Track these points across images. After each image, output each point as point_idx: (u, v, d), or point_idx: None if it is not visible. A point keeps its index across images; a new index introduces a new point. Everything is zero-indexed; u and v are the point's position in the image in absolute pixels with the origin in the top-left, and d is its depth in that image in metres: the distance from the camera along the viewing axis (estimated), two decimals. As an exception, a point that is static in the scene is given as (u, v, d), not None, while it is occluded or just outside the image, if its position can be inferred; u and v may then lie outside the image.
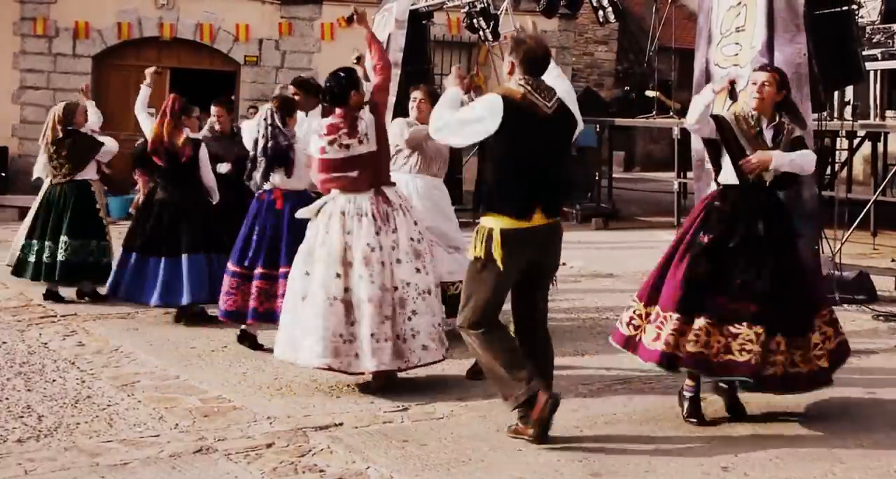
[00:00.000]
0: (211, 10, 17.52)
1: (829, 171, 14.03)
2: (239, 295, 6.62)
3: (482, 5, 14.90)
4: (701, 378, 5.20)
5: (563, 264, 10.00)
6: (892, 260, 10.12)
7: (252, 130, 6.81)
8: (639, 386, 5.89)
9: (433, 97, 6.35)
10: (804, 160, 5.19)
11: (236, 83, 17.64)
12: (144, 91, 8.10)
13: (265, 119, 6.60)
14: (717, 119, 5.26)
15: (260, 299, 6.54)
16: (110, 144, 8.44)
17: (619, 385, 5.91)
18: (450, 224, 6.84)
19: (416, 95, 6.78)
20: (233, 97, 16.17)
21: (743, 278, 5.03)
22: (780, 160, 5.12)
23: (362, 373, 5.60)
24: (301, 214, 5.88)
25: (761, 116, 5.23)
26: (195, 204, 7.58)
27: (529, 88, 4.73)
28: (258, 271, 6.58)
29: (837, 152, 14.38)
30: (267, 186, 6.65)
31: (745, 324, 4.97)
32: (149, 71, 8.23)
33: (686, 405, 5.20)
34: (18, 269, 8.48)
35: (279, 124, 6.54)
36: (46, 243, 8.28)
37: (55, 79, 17.03)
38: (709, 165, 6.43)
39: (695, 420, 5.14)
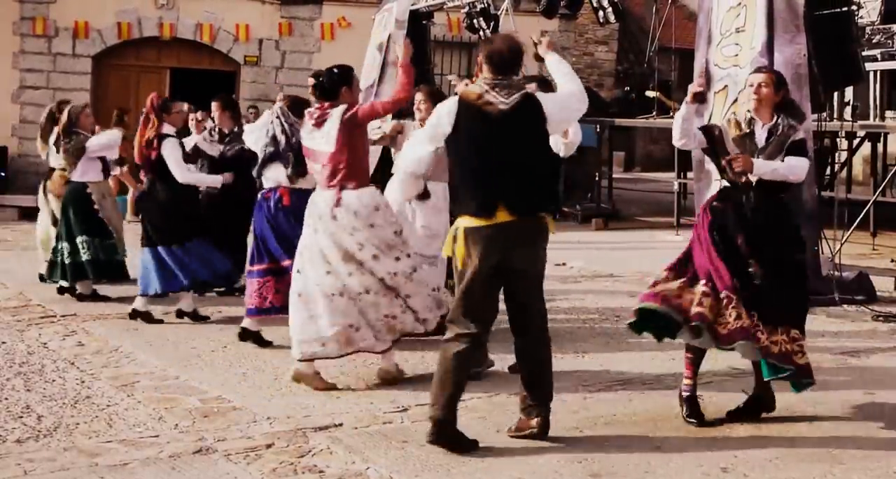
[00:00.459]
0: (211, 9, 17.51)
1: (828, 171, 14.04)
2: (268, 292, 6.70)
3: (482, 6, 14.89)
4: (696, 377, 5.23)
5: (563, 264, 10.07)
6: (892, 260, 10.13)
7: (257, 131, 6.85)
8: (639, 387, 5.89)
9: (434, 97, 6.37)
10: (790, 170, 5.07)
11: (236, 83, 17.64)
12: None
13: (279, 117, 6.71)
14: (705, 130, 5.23)
15: (262, 295, 6.62)
16: (99, 140, 8.38)
17: (618, 386, 5.91)
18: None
19: (419, 96, 6.80)
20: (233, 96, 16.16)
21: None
22: (761, 169, 5.06)
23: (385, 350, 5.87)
24: None
25: (756, 117, 5.20)
26: (173, 197, 7.61)
27: (488, 86, 4.76)
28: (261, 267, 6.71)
29: (837, 153, 14.39)
30: (271, 185, 6.74)
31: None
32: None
33: (685, 405, 5.20)
34: (51, 272, 8.51)
35: (296, 120, 6.58)
36: (63, 245, 8.31)
37: (55, 78, 17.03)
38: (709, 166, 6.45)
39: (695, 421, 5.14)
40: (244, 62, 17.82)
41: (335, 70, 5.86)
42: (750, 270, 5.03)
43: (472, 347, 4.78)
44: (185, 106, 8.01)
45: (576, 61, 21.59)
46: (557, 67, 4.98)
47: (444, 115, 4.85)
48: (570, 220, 14.87)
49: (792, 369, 4.97)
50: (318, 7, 18.10)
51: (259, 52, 17.83)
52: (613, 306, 8.37)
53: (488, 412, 5.25)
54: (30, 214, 11.63)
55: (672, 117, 15.45)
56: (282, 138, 6.67)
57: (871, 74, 12.59)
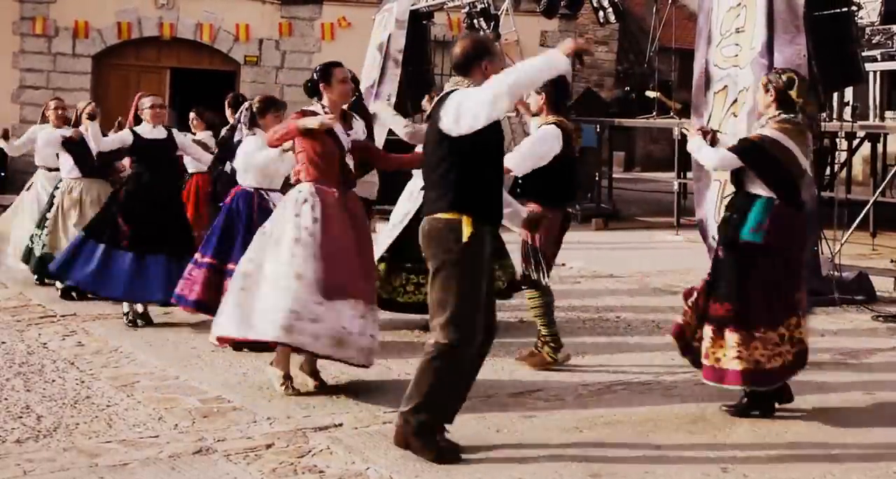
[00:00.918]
0: (211, 9, 17.53)
1: (828, 172, 14.04)
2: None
3: (482, 6, 14.90)
4: None
5: (563, 264, 10.06)
6: (892, 261, 10.11)
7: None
8: (638, 387, 5.89)
9: None
10: (704, 153, 5.40)
11: (236, 83, 17.64)
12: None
13: (240, 122, 7.02)
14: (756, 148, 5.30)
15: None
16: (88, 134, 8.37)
17: (618, 386, 5.91)
18: None
19: (425, 104, 6.92)
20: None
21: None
22: (691, 145, 5.49)
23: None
24: None
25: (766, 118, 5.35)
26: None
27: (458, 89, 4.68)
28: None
29: (837, 153, 14.39)
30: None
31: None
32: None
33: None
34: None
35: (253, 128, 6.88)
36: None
37: (55, 78, 17.04)
38: (708, 167, 6.45)
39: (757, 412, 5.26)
40: (244, 62, 17.83)
41: (317, 69, 5.84)
42: None
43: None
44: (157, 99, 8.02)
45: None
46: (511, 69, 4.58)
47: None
48: (571, 220, 14.86)
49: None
50: (319, 7, 18.12)
51: (259, 52, 17.84)
52: (613, 307, 8.37)
53: (487, 412, 5.25)
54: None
55: (672, 117, 15.46)
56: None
57: (871, 75, 12.60)
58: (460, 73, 4.69)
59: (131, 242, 7.39)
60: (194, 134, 9.04)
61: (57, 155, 8.75)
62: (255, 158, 6.76)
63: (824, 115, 10.38)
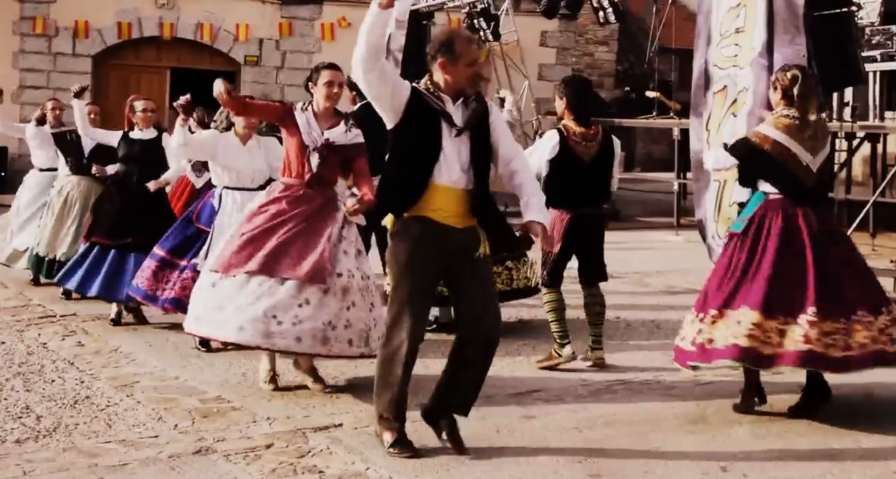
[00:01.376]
0: (211, 9, 17.54)
1: (827, 172, 14.04)
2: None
3: (483, 6, 14.93)
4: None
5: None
6: (892, 261, 10.11)
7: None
8: (638, 387, 5.89)
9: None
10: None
11: (237, 83, 17.65)
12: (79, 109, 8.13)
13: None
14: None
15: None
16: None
17: (618, 386, 5.91)
18: None
19: None
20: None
21: None
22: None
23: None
24: None
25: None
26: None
27: None
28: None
29: (836, 153, 14.40)
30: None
31: None
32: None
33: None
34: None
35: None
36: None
37: (55, 78, 17.04)
38: (707, 166, 6.46)
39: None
40: (244, 62, 17.84)
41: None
42: None
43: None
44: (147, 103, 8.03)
45: (576, 62, 21.62)
46: None
47: None
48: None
49: None
50: (319, 7, 18.13)
51: (259, 52, 17.84)
52: (613, 306, 8.35)
53: (487, 412, 5.25)
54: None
55: (672, 117, 15.46)
56: None
57: (871, 75, 12.62)
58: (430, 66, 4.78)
59: (114, 240, 7.44)
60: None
61: (57, 154, 8.79)
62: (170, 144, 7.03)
63: (824, 115, 10.39)
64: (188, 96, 6.36)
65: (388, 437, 4.60)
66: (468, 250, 4.60)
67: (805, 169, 5.26)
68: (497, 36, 16.08)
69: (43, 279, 8.81)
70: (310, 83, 5.72)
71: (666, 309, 8.09)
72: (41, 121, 8.98)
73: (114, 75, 17.37)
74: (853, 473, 4.51)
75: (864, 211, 10.32)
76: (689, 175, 12.56)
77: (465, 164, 4.59)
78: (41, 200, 8.91)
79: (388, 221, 4.65)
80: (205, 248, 6.61)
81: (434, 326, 7.06)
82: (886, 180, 11.93)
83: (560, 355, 6.28)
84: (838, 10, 8.98)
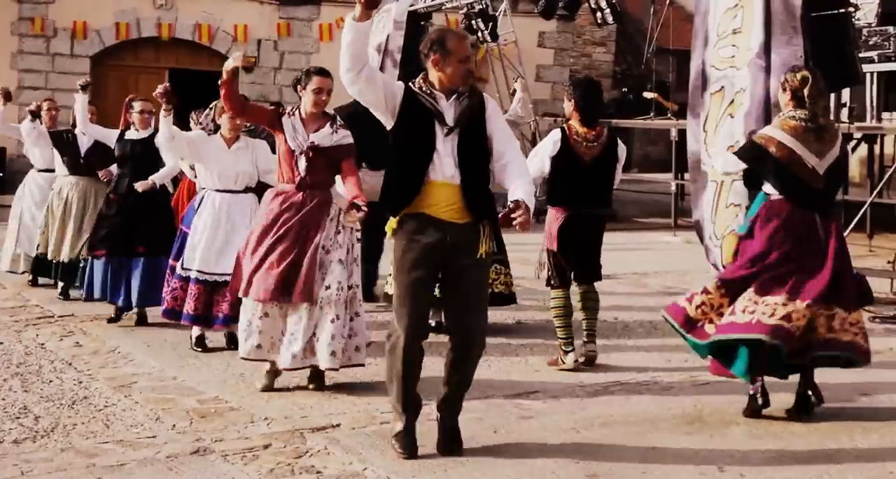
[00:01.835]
0: (209, 10, 17.53)
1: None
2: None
3: (480, 7, 14.94)
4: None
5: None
6: (889, 262, 10.12)
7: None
8: (636, 388, 5.90)
9: None
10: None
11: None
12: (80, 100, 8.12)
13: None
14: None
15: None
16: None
17: (615, 387, 5.92)
18: None
19: None
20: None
21: None
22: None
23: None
24: None
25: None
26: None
27: None
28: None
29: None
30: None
31: None
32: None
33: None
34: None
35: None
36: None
37: (53, 79, 17.03)
38: (705, 167, 6.48)
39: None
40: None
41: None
42: None
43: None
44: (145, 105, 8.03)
45: (574, 62, 21.62)
46: None
47: None
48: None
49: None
50: (317, 8, 18.13)
51: (258, 53, 17.83)
52: (610, 307, 8.37)
53: (484, 413, 5.26)
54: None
55: (670, 118, 15.45)
56: None
57: (868, 76, 12.62)
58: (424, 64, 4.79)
59: (118, 255, 7.43)
60: None
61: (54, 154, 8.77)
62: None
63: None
64: (167, 85, 6.41)
65: (397, 426, 4.73)
66: (467, 247, 4.58)
67: (810, 171, 5.23)
68: (495, 37, 16.09)
69: (42, 280, 8.80)
70: (299, 86, 5.74)
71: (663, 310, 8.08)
72: (35, 114, 8.89)
73: (112, 76, 17.36)
74: (850, 473, 4.52)
75: (861, 212, 10.33)
76: (686, 176, 12.57)
77: (458, 160, 4.60)
78: (45, 206, 8.86)
79: (389, 226, 4.65)
80: (176, 246, 6.67)
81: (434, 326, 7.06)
82: (884, 181, 11.95)
83: (564, 362, 6.28)
84: (836, 11, 8.97)
